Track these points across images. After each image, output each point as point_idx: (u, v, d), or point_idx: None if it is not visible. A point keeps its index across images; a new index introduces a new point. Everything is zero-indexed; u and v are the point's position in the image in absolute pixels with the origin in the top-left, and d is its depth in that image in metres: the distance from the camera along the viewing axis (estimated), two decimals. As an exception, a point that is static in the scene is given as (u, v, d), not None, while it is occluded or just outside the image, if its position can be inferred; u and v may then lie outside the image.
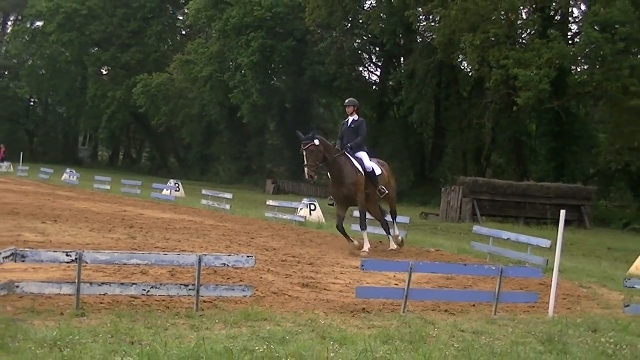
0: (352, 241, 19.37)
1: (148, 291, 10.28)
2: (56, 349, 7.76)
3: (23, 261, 9.78)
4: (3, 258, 9.20)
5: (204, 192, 36.16)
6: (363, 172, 19.21)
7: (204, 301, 10.61)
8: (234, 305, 10.75)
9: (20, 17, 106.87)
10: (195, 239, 19.57)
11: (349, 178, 19.04)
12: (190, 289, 10.33)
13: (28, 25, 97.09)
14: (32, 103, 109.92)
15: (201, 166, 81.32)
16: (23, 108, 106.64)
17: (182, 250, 15.93)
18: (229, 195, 33.50)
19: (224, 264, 10.85)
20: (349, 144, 19.48)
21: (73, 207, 27.82)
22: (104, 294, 10.32)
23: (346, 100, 20.58)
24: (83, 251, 9.96)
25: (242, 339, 8.61)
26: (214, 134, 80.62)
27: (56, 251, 10.18)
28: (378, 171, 19.75)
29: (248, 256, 10.84)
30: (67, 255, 9.85)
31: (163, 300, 10.66)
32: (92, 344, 8.05)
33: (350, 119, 20.06)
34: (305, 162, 18.82)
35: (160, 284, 10.65)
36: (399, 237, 20.80)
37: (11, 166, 62.52)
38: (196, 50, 69.19)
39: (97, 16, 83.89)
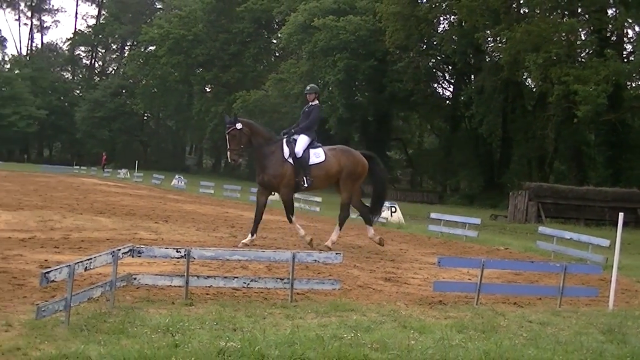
0: (252, 236, 16.94)
1: (248, 284, 10.33)
2: (169, 334, 7.82)
3: (139, 256, 9.92)
4: (122, 254, 9.30)
5: (296, 195, 36.19)
6: (292, 159, 17.01)
7: (298, 293, 10.62)
8: (324, 297, 10.74)
9: (135, 43, 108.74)
10: (289, 238, 19.58)
11: (272, 169, 17.07)
12: (285, 282, 10.35)
13: (142, 50, 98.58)
14: (145, 118, 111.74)
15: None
16: (138, 122, 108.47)
17: (278, 248, 15.96)
18: (318, 199, 33.51)
19: (315, 260, 10.86)
20: (289, 129, 17.93)
21: (181, 209, 28.10)
22: (209, 286, 10.41)
23: (307, 87, 18.67)
24: (191, 248, 10.04)
25: (332, 328, 8.59)
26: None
27: (168, 248, 10.29)
28: (315, 159, 17.21)
29: (337, 253, 10.84)
30: (177, 251, 9.95)
31: (261, 292, 10.70)
32: (200, 330, 8.10)
33: (310, 104, 18.15)
34: (228, 146, 17.39)
35: (259, 278, 10.70)
36: (332, 239, 17.77)
37: (127, 173, 63.45)
38: (288, 69, 69.54)
39: (201, 41, 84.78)
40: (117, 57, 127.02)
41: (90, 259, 8.61)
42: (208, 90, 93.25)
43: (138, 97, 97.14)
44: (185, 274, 9.89)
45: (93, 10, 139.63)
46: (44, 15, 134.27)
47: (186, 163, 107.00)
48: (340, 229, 18.16)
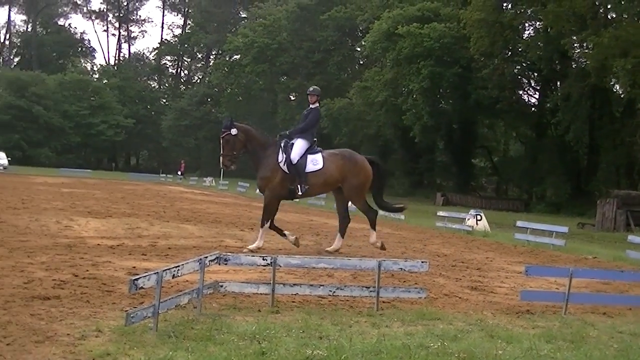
0: (285, 236, 17.03)
1: (334, 292, 10.32)
2: (255, 341, 7.85)
3: (226, 264, 9.98)
4: (209, 261, 9.38)
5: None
6: (287, 165, 16.42)
7: (383, 301, 10.57)
8: (409, 305, 10.68)
9: (220, 52, 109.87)
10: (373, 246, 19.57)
11: (262, 171, 16.77)
12: (371, 291, 10.32)
13: (227, 59, 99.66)
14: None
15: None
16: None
17: (363, 256, 15.92)
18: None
19: (401, 268, 10.80)
20: (284, 133, 17.39)
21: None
22: (295, 294, 10.43)
23: (310, 88, 17.94)
24: (277, 256, 10.07)
25: (418, 336, 8.53)
26: (389, 152, 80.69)
27: (254, 256, 10.33)
28: (312, 167, 16.59)
29: (422, 262, 10.76)
30: (263, 259, 9.99)
31: (347, 300, 10.69)
32: (286, 337, 8.11)
33: (310, 107, 17.52)
34: (221, 151, 17.07)
35: (345, 286, 10.68)
36: (372, 239, 17.66)
37: (213, 181, 64.05)
38: (372, 77, 69.48)
39: (286, 49, 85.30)
40: (202, 66, 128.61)
41: (178, 266, 8.70)
42: (292, 98, 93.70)
43: (223, 106, 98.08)
44: (272, 281, 9.92)
45: (179, 20, 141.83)
46: (131, 26, 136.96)
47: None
48: (374, 230, 17.86)
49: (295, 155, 16.47)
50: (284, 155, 16.49)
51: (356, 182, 17.05)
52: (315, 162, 16.65)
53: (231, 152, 16.88)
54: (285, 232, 17.13)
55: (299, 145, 16.63)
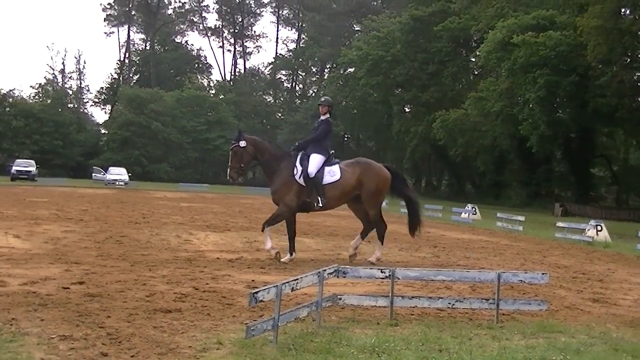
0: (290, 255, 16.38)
1: (453, 304, 10.26)
2: (375, 354, 7.84)
3: (344, 277, 10.00)
4: (328, 274, 9.41)
5: (498, 214, 35.82)
6: (303, 179, 16.22)
7: (503, 314, 10.46)
8: (530, 318, 10.54)
9: (334, 65, 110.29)
10: (492, 258, 19.36)
11: (276, 184, 16.47)
12: (490, 303, 10.22)
13: (341, 72, 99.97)
14: (346, 138, 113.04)
15: (494, 191, 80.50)
16: (338, 143, 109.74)
17: (482, 268, 15.79)
18: (521, 218, 33.00)
19: (521, 280, 10.66)
20: (296, 144, 17.10)
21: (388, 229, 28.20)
22: (414, 307, 10.39)
23: (321, 99, 17.58)
24: (395, 269, 10.05)
25: (540, 350, 8.40)
26: (506, 163, 79.81)
27: (372, 268, 10.33)
28: (329, 178, 16.40)
29: (543, 273, 10.61)
30: (381, 272, 9.98)
31: (466, 312, 10.61)
32: (405, 350, 8.09)
33: (320, 119, 17.29)
34: (229, 163, 16.77)
35: (464, 298, 10.61)
36: (376, 255, 17.03)
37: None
38: (488, 88, 68.73)
39: (400, 61, 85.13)
40: (317, 80, 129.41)
41: (297, 279, 8.75)
42: (407, 110, 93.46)
43: (338, 119, 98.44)
44: (390, 294, 9.91)
45: (293, 34, 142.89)
46: (246, 42, 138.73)
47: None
48: (382, 244, 17.38)
49: (312, 169, 16.31)
50: (300, 168, 16.31)
51: (374, 187, 16.82)
52: (332, 173, 16.53)
53: (238, 165, 16.72)
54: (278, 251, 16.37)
55: (316, 160, 16.46)
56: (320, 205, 16.35)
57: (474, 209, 40.18)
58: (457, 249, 21.31)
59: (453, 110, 73.32)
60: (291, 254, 16.32)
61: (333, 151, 17.17)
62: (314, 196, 16.28)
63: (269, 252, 16.09)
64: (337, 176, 16.47)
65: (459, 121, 71.82)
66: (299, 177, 16.23)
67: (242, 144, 16.57)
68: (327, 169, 16.45)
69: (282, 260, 15.94)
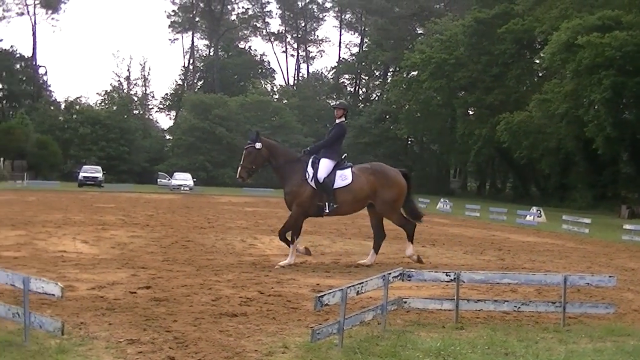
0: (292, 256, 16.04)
1: (519, 308, 10.19)
2: (440, 358, 7.82)
3: (409, 280, 9.97)
4: (393, 277, 9.40)
5: (564, 217, 35.47)
6: (315, 182, 16.04)
7: (570, 317, 10.36)
8: (597, 321, 10.42)
9: (397, 69, 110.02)
10: (558, 260, 19.18)
11: (289, 187, 16.30)
12: (557, 306, 10.12)
13: (405, 75, 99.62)
14: (409, 142, 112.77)
15: (559, 194, 79.57)
16: (402, 147, 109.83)
17: (547, 271, 15.64)
18: (587, 220, 32.63)
19: (588, 283, 10.55)
20: (307, 149, 16.94)
21: (448, 232, 28.15)
22: (479, 310, 10.33)
23: (336, 102, 17.55)
24: (460, 272, 10.00)
25: (608, 353, 8.31)
26: (571, 165, 78.83)
27: (437, 272, 10.29)
28: (340, 182, 16.10)
29: (610, 276, 10.48)
30: (446, 275, 9.94)
31: (532, 315, 10.53)
32: (471, 354, 8.05)
33: (335, 123, 17.11)
34: (241, 162, 16.65)
35: (530, 301, 10.52)
36: (409, 251, 16.91)
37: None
38: (552, 89, 67.94)
39: (463, 64, 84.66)
40: (380, 84, 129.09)
41: (362, 283, 8.75)
42: (471, 113, 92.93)
43: (402, 122, 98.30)
44: (455, 297, 9.86)
45: (356, 38, 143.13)
46: (309, 46, 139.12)
47: (451, 186, 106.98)
48: (412, 242, 17.10)
49: (322, 173, 16.08)
50: (312, 171, 16.13)
51: (389, 196, 16.53)
52: (344, 177, 16.26)
53: (250, 165, 16.63)
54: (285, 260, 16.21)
55: (325, 164, 16.21)
56: (328, 210, 16.17)
57: (539, 212, 39.83)
58: (522, 252, 21.14)
59: (517, 112, 72.63)
60: (287, 261, 16.06)
61: (345, 154, 17.03)
62: (324, 200, 16.13)
63: (288, 264, 15.77)
64: (349, 180, 16.23)
65: (523, 123, 71.14)
66: (311, 180, 16.11)
67: (258, 145, 16.45)
68: (338, 172, 16.26)
69: (280, 264, 15.80)
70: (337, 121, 16.89)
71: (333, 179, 16.09)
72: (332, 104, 16.60)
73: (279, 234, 16.49)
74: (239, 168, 16.73)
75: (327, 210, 16.14)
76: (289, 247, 16.23)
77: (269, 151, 16.56)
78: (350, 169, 16.44)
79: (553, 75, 76.07)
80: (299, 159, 16.63)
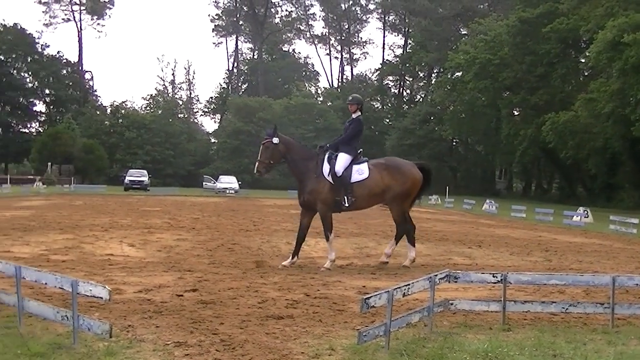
0: (292, 258, 15.95)
1: (566, 309, 10.08)
2: (488, 359, 7.76)
3: (455, 282, 9.90)
4: (439, 279, 9.36)
5: (611, 217, 35.12)
6: (332, 177, 15.93)
7: (618, 318, 10.23)
8: (647, 322, 10.31)
9: (442, 70, 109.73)
10: (605, 261, 18.98)
11: (309, 185, 16.08)
12: (605, 307, 10.00)
13: (449, 76, 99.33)
14: (454, 143, 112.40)
15: (606, 194, 78.78)
16: (447, 148, 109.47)
17: (595, 272, 15.49)
18: (635, 220, 32.27)
19: (637, 284, 10.39)
20: (324, 145, 16.77)
21: (494, 233, 27.97)
22: (526, 311, 10.23)
23: (349, 97, 17.41)
24: (508, 273, 9.92)
25: (659, 355, 8.21)
26: (618, 164, 78.01)
27: (484, 273, 10.22)
28: (357, 177, 16.05)
29: (661, 277, 10.35)
30: (493, 276, 9.87)
31: (580, 317, 10.43)
32: (519, 356, 7.99)
33: (351, 118, 16.84)
34: (258, 157, 16.45)
35: (577, 302, 10.39)
36: (411, 255, 16.54)
37: (438, 199, 63.99)
38: (598, 89, 67.30)
39: (508, 64, 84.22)
40: (424, 85, 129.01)
41: (409, 284, 8.72)
42: (516, 113, 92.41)
43: (446, 123, 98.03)
44: (502, 298, 9.79)
45: (399, 40, 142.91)
46: (353, 48, 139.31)
47: (496, 187, 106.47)
48: (395, 244, 16.85)
49: (339, 167, 15.99)
50: (328, 167, 16.04)
51: (400, 189, 16.36)
52: (360, 171, 16.15)
53: (268, 160, 16.45)
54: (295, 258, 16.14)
55: (343, 158, 16.11)
56: (347, 204, 16.07)
57: (585, 212, 39.46)
58: (569, 253, 20.95)
59: (563, 112, 72.05)
60: (293, 258, 16.00)
61: (361, 150, 16.80)
62: (342, 195, 16.04)
63: (331, 261, 15.79)
64: (366, 175, 16.14)
65: (569, 123, 70.54)
66: (328, 175, 16.01)
67: (275, 140, 16.33)
68: (355, 167, 16.16)
69: (283, 264, 15.76)
70: (353, 116, 16.75)
71: (350, 174, 16.05)
72: (347, 100, 16.46)
73: (326, 238, 16.25)
74: (257, 163, 16.64)
75: (346, 205, 16.07)
76: (328, 247, 16.14)
77: (285, 147, 16.48)
78: (366, 163, 16.38)
79: (599, 74, 75.33)
80: (314, 155, 16.54)
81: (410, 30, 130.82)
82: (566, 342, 8.76)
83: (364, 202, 16.47)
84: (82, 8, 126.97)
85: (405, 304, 10.71)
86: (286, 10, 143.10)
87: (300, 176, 16.41)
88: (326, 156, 16.21)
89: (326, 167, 16.06)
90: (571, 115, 70.60)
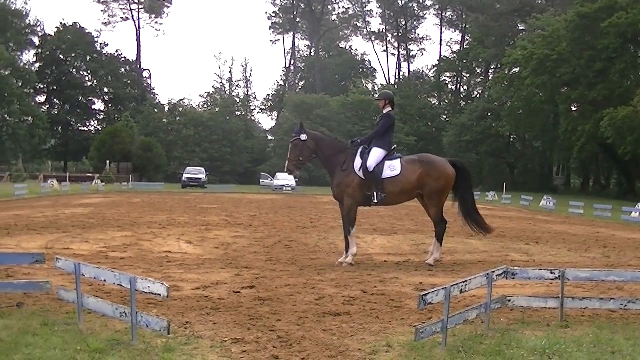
0: (346, 255, 15.80)
1: (625, 305, 9.96)
2: (545, 356, 7.72)
3: (513, 278, 9.83)
4: (497, 276, 9.30)
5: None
6: (362, 171, 15.83)
7: (679, 315, 10.11)
8: None
9: (499, 66, 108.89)
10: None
11: (338, 178, 16.12)
12: (666, 304, 9.89)
13: (506, 72, 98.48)
14: (512, 140, 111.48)
15: (669, 189, 77.81)
16: (504, 144, 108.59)
17: (656, 269, 15.29)
18: None
19: (697, 281, 10.25)
20: (356, 140, 16.69)
21: (551, 229, 27.73)
22: (584, 308, 10.14)
23: (377, 94, 16.89)
24: (565, 269, 9.83)
25: None
26: (680, 160, 76.96)
27: (541, 269, 10.13)
28: (389, 173, 15.86)
29: None
30: (551, 273, 9.79)
31: (639, 314, 10.29)
32: (577, 352, 7.93)
33: (382, 114, 16.69)
34: (288, 156, 16.51)
35: (636, 299, 10.27)
36: (434, 256, 16.18)
37: (495, 195, 63.59)
38: (658, 83, 66.57)
39: (566, 60, 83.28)
40: (481, 81, 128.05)
41: (466, 281, 8.68)
42: (574, 109, 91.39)
43: (504, 120, 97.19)
44: (560, 295, 9.70)
45: (457, 36, 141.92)
46: (410, 45, 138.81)
47: (554, 183, 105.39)
48: (440, 245, 16.54)
49: (372, 162, 15.87)
50: (361, 161, 15.92)
51: (436, 186, 16.17)
52: (392, 168, 16.01)
53: (297, 158, 16.50)
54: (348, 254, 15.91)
55: (376, 154, 15.99)
56: (377, 200, 15.96)
57: (645, 209, 38.93)
58: (628, 249, 20.69)
59: (621, 107, 71.07)
60: (347, 253, 15.90)
61: (395, 146, 16.74)
62: (372, 190, 15.92)
63: (353, 256, 15.70)
64: (397, 171, 16.00)
65: (628, 119, 69.56)
66: (359, 170, 15.92)
67: (303, 137, 16.35)
68: (387, 163, 16.03)
69: (346, 261, 15.57)
70: (384, 112, 16.60)
71: (382, 169, 15.94)
72: (376, 97, 16.23)
73: (348, 233, 16.11)
74: (287, 162, 16.72)
75: (375, 200, 15.97)
76: (349, 241, 15.98)
77: (315, 143, 16.49)
78: (399, 160, 16.25)
79: (658, 69, 74.38)
80: (346, 150, 16.47)
81: (467, 27, 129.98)
82: (625, 339, 8.67)
83: (394, 198, 16.45)
84: (141, 7, 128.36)
85: (462, 300, 10.67)
86: (343, 7, 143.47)
87: (331, 170, 16.49)
88: (359, 151, 16.18)
89: (358, 162, 16.04)
90: (630, 111, 69.64)
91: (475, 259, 16.97)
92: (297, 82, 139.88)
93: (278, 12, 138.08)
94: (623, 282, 11.04)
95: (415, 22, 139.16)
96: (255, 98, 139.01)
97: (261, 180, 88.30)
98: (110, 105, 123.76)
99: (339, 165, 16.22)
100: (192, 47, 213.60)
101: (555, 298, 9.89)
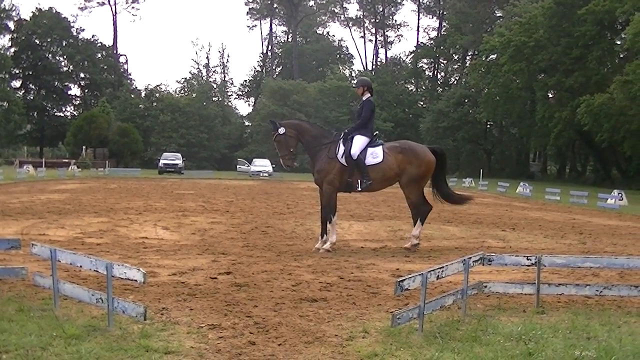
0: (322, 239, 15.91)
1: (601, 292, 10.03)
2: (522, 342, 7.76)
3: (490, 264, 9.88)
4: (473, 262, 9.34)
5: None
6: (345, 158, 15.84)
7: (654, 301, 10.20)
8: (682, 305, 10.25)
9: (476, 52, 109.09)
10: (641, 244, 18.86)
11: (319, 164, 16.09)
12: (640, 290, 9.96)
13: (484, 59, 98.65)
14: (488, 126, 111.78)
15: (642, 177, 78.23)
16: (481, 131, 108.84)
17: (630, 254, 15.37)
18: None
19: (671, 267, 10.33)
20: (344, 130, 16.52)
21: (528, 216, 27.87)
22: (560, 294, 10.21)
23: (354, 81, 17.03)
24: (542, 255, 9.88)
25: (697, 338, 8.16)
26: (655, 147, 77.39)
27: (518, 256, 10.18)
28: (372, 160, 15.91)
29: (697, 259, 10.27)
30: (527, 259, 9.84)
31: (614, 300, 10.38)
32: (553, 338, 7.99)
33: (362, 100, 16.61)
34: (279, 154, 16.62)
35: (612, 285, 10.34)
36: (415, 240, 16.32)
37: (472, 181, 63.78)
38: (634, 71, 66.62)
39: (543, 47, 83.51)
40: (459, 67, 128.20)
41: (442, 267, 8.71)
42: (551, 96, 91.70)
43: (481, 106, 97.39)
44: (536, 281, 9.76)
45: (434, 22, 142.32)
46: (387, 31, 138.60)
47: (531, 170, 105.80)
48: (422, 224, 16.66)
49: (355, 150, 15.91)
50: (343, 148, 15.95)
51: (415, 173, 16.28)
52: (375, 155, 16.10)
53: (287, 151, 16.50)
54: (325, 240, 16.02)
55: (359, 141, 16.03)
56: (361, 188, 16.08)
57: (620, 195, 39.11)
58: (604, 236, 20.82)
59: (598, 94, 71.38)
60: (322, 238, 16.00)
61: (377, 132, 16.80)
62: (356, 177, 15.97)
63: (331, 243, 15.74)
64: (380, 158, 16.09)
65: (605, 106, 69.87)
66: (341, 157, 15.94)
67: (282, 130, 16.37)
68: (370, 150, 16.10)
69: (324, 247, 15.62)
70: (364, 98, 16.56)
71: (365, 156, 16.02)
72: (353, 84, 16.18)
73: (322, 218, 16.23)
74: (281, 160, 16.84)
75: (359, 188, 16.07)
76: (328, 226, 16.03)
77: (295, 130, 16.51)
78: (381, 147, 16.32)
79: (635, 56, 74.54)
80: (327, 133, 16.69)
81: (445, 13, 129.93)
82: (600, 325, 8.74)
83: (377, 185, 16.49)
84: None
85: (439, 286, 10.71)
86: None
87: (312, 155, 16.49)
88: (341, 139, 16.21)
89: (341, 149, 16.04)
90: (606, 98, 69.95)
91: (451, 245, 17.04)
92: (274, 68, 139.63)
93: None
94: (599, 268, 11.09)
95: (392, 8, 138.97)
96: (232, 84, 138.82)
97: (238, 166, 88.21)
98: (86, 90, 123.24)
99: (322, 151, 16.23)
100: (169, 32, 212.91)
101: (531, 284, 9.94)
